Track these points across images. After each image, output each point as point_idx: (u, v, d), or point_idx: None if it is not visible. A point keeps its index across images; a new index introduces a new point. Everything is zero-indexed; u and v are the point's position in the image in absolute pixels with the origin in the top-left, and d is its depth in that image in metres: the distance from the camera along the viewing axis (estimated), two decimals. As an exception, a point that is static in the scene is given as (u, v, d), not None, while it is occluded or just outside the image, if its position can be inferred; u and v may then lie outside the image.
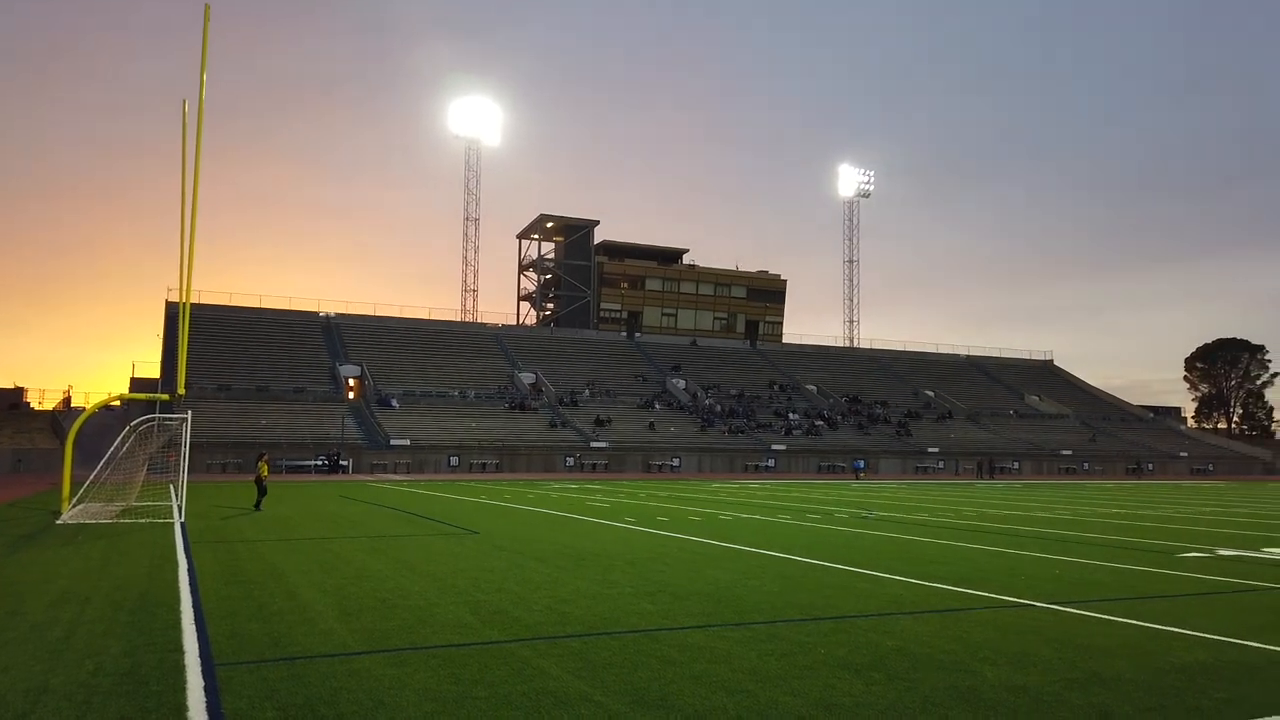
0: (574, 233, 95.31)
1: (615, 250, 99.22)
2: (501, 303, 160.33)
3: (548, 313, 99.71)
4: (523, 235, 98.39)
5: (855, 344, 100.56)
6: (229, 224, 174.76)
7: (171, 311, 67.35)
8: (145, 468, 23.45)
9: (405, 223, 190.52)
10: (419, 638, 8.08)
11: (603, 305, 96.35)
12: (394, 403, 64.50)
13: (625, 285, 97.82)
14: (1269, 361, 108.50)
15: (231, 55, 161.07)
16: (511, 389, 72.83)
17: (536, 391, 73.17)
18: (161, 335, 67.47)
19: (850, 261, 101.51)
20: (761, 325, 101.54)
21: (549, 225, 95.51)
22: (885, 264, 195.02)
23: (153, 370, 66.92)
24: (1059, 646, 7.96)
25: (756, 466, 64.54)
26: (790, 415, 76.26)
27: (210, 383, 61.86)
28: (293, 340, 73.98)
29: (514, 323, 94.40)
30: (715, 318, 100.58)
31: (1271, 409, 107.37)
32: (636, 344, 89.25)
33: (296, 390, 64.80)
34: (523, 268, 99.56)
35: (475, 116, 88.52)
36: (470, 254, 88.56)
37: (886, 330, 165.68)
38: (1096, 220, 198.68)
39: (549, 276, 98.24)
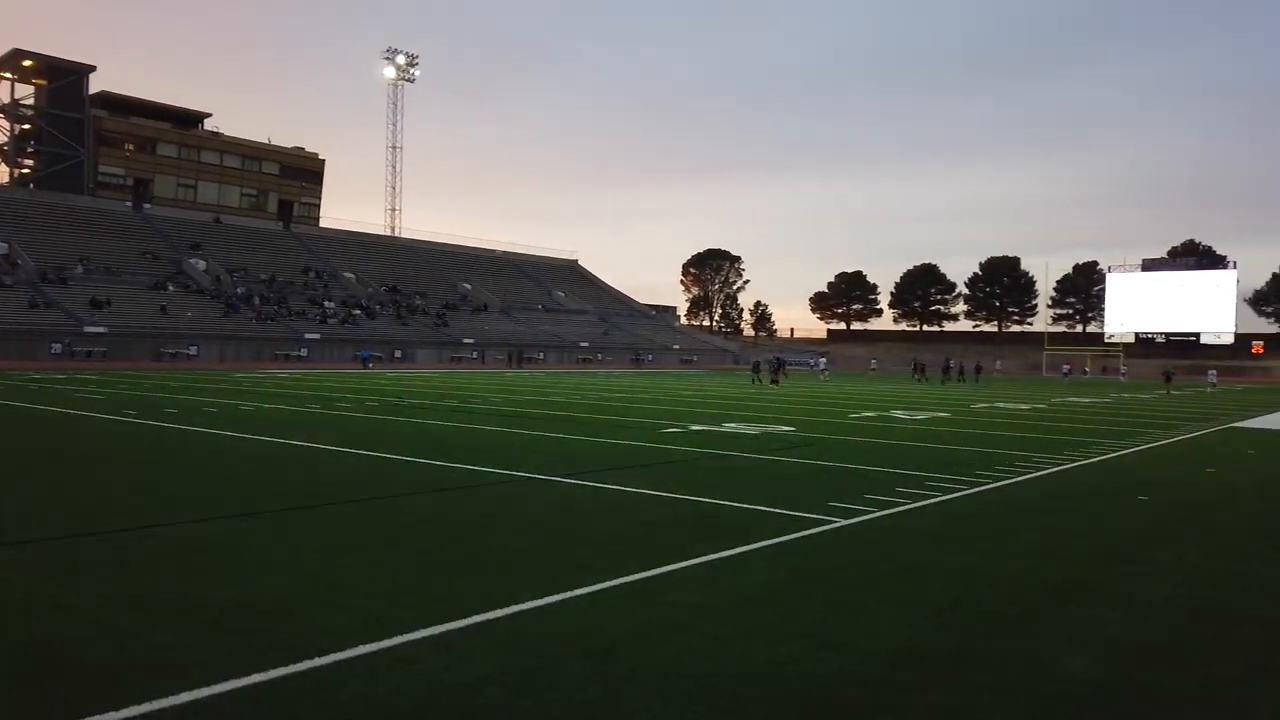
0: (61, 77, 79.30)
1: (118, 104, 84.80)
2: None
3: (25, 171, 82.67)
4: (-13, 71, 79.50)
5: (397, 233, 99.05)
6: None
7: None
8: None
9: None
10: None
11: (101, 168, 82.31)
12: None
13: (131, 147, 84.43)
14: (743, 270, 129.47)
15: None
16: (-28, 260, 59.69)
17: (10, 265, 60.85)
18: None
19: (393, 147, 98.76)
20: (297, 206, 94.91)
21: (26, 64, 78.17)
22: (429, 154, 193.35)
23: None
24: (554, 512, 8.95)
25: (288, 355, 61.27)
26: (326, 303, 73.28)
27: None
28: None
29: (-25, 179, 76.86)
30: (243, 194, 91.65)
31: (743, 310, 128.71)
32: (145, 216, 78.16)
33: None
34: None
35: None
36: (-94, 85, 69.52)
37: (427, 221, 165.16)
38: (624, 134, 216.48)
39: (27, 127, 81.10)
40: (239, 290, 69.10)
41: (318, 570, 6.51)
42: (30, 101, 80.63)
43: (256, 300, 68.31)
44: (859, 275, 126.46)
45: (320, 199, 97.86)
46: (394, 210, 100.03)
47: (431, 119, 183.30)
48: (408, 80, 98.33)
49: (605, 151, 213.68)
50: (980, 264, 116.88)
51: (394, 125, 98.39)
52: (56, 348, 51.19)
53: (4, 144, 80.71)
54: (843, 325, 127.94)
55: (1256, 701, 4.57)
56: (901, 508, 9.59)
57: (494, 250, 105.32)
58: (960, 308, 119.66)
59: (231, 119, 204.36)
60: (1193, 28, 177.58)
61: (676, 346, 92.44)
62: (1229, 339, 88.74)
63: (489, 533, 7.93)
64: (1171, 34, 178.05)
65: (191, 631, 5.10)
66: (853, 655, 5.00)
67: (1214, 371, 54.04)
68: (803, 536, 8.02)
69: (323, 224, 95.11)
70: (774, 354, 59.13)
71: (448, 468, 11.97)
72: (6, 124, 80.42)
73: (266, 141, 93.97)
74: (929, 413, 25.40)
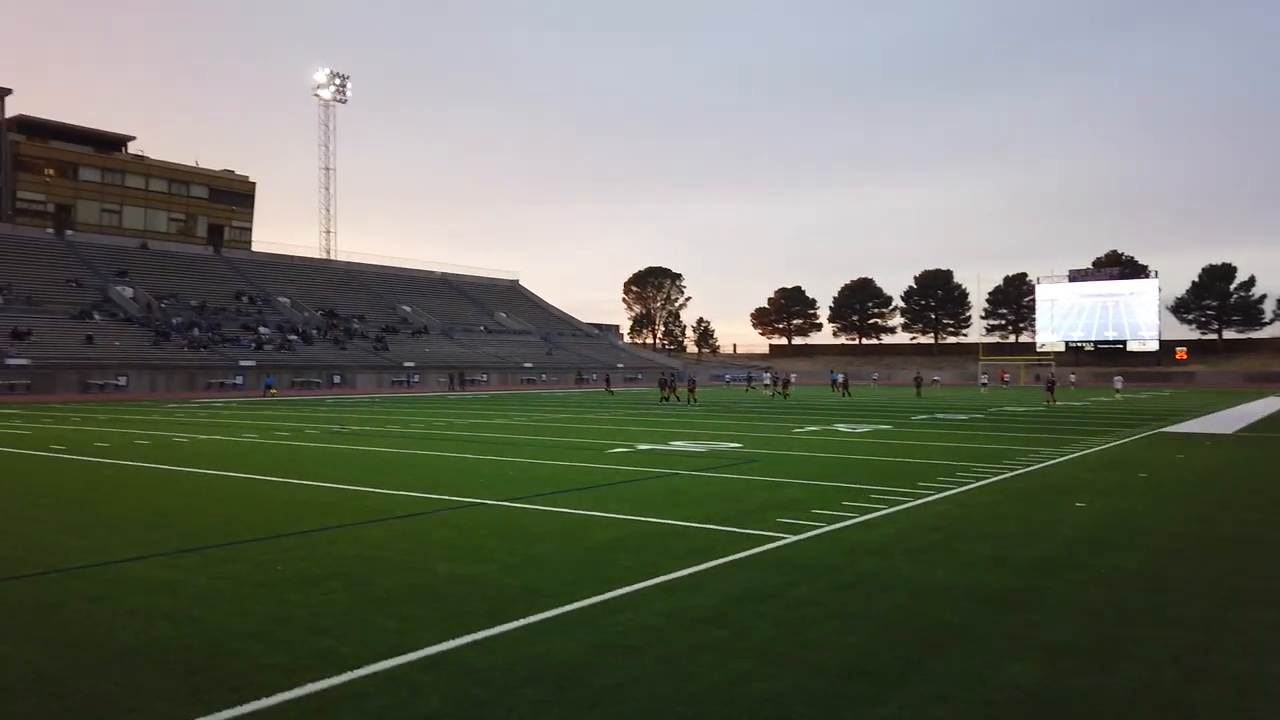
0: (-24, 100, 76.74)
1: (36, 128, 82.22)
2: None
3: (-62, 198, 79.59)
4: (-104, 95, 76.49)
5: (333, 256, 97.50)
6: None
7: None
8: None
9: None
10: None
11: (20, 194, 79.59)
12: None
13: (52, 172, 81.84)
14: (684, 287, 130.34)
15: None
16: (-118, 292, 57.13)
17: (-78, 296, 58.42)
18: None
19: (326, 169, 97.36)
20: (228, 231, 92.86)
21: (-62, 87, 75.56)
22: (364, 176, 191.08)
23: None
24: (503, 538, 8.87)
25: (222, 384, 59.72)
26: (261, 329, 71.71)
27: None
28: None
29: (-115, 207, 73.75)
30: (171, 219, 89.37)
31: (685, 327, 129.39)
32: (68, 243, 75.70)
33: None
34: (-103, 137, 77.63)
35: None
36: None
37: (363, 244, 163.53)
38: (561, 153, 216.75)
39: (-61, 152, 78.17)
40: (174, 320, 67.23)
41: (262, 606, 6.35)
42: (-57, 126, 77.75)
43: (195, 331, 66.52)
44: (799, 290, 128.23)
45: (252, 222, 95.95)
46: (329, 233, 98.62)
47: (365, 140, 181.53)
48: (340, 101, 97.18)
49: (543, 170, 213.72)
50: (915, 277, 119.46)
51: (326, 147, 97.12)
52: (-25, 382, 49.13)
53: (-84, 171, 77.60)
54: (784, 340, 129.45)
55: (1193, 702, 4.72)
56: (849, 521, 9.72)
57: (433, 272, 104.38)
58: (897, 320, 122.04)
59: (157, 142, 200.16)
60: (1114, 42, 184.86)
61: (620, 365, 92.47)
62: (1154, 345, 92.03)
63: (438, 561, 7.82)
64: (1093, 49, 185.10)
65: (130, 675, 4.93)
66: (804, 672, 5.05)
67: (1120, 379, 55.29)
68: (753, 554, 8.08)
69: (255, 248, 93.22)
70: (671, 371, 60.65)
71: (392, 495, 11.79)
72: (-82, 150, 77.38)
73: (194, 165, 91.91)
74: (871, 425, 25.81)
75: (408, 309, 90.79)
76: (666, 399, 42.68)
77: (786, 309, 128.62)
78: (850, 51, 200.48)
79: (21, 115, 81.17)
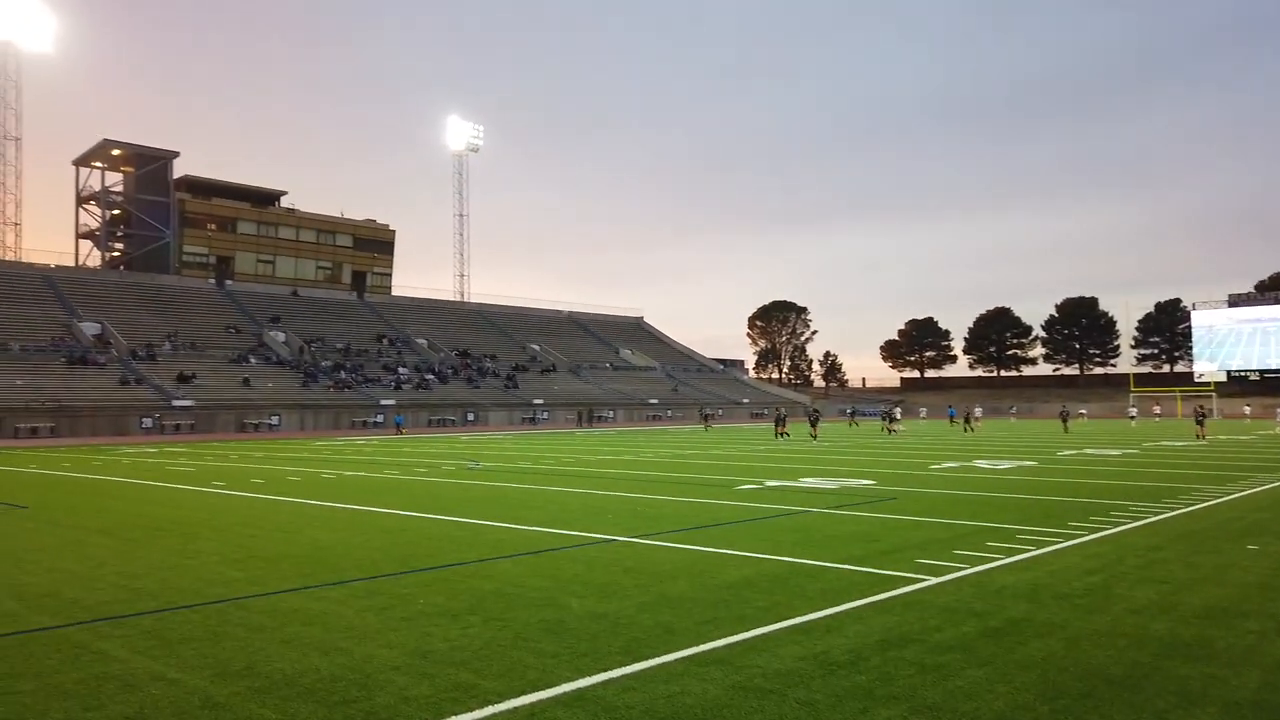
0: (147, 164, 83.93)
1: (200, 187, 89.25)
2: (55, 240, 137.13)
3: (116, 254, 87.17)
4: (81, 162, 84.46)
5: (466, 298, 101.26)
6: None
7: None
8: None
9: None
10: (-60, 635, 6.82)
11: (186, 249, 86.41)
12: (-97, 357, 52.53)
13: (213, 227, 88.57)
14: (810, 320, 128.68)
15: None
16: (70, 340, 62.86)
17: (103, 344, 63.93)
18: None
19: (460, 215, 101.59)
20: (370, 276, 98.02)
21: (115, 153, 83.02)
22: (495, 220, 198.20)
23: None
24: (636, 575, 8.88)
25: (365, 423, 62.67)
26: (400, 370, 74.97)
27: None
28: None
29: (73, 264, 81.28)
30: (319, 267, 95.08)
31: (812, 361, 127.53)
32: (228, 293, 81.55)
33: None
34: (82, 200, 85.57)
35: (11, 13, 73.37)
36: (10, 180, 74.38)
37: (495, 285, 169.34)
38: (686, 190, 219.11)
39: (117, 212, 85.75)
40: (322, 363, 71.15)
41: (405, 639, 6.55)
42: (119, 188, 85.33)
43: (340, 372, 70.17)
44: (930, 321, 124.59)
45: (392, 268, 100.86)
46: (462, 276, 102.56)
47: (495, 183, 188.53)
48: (473, 151, 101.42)
49: (666, 208, 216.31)
50: (1056, 305, 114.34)
51: (460, 194, 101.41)
52: (147, 422, 53.26)
53: (96, 230, 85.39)
54: (916, 373, 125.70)
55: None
56: (995, 563, 9.27)
57: (560, 311, 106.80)
58: (1038, 351, 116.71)
59: (306, 195, 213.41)
60: (1259, 60, 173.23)
61: (746, 400, 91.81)
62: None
63: (571, 597, 7.89)
64: (1236, 67, 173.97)
65: (288, 704, 5.16)
66: (954, 722, 4.81)
67: None
68: (892, 596, 7.80)
69: (394, 292, 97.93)
70: (782, 407, 58.53)
71: (524, 531, 12.01)
72: (99, 211, 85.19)
73: (339, 215, 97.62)
74: (1014, 461, 24.66)
75: (536, 347, 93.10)
76: (783, 434, 41.91)
77: (918, 341, 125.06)
78: (980, 78, 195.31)
79: (188, 175, 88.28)
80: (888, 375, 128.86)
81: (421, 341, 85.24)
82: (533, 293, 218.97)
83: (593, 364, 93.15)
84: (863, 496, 16.00)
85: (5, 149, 74.21)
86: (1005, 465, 23.17)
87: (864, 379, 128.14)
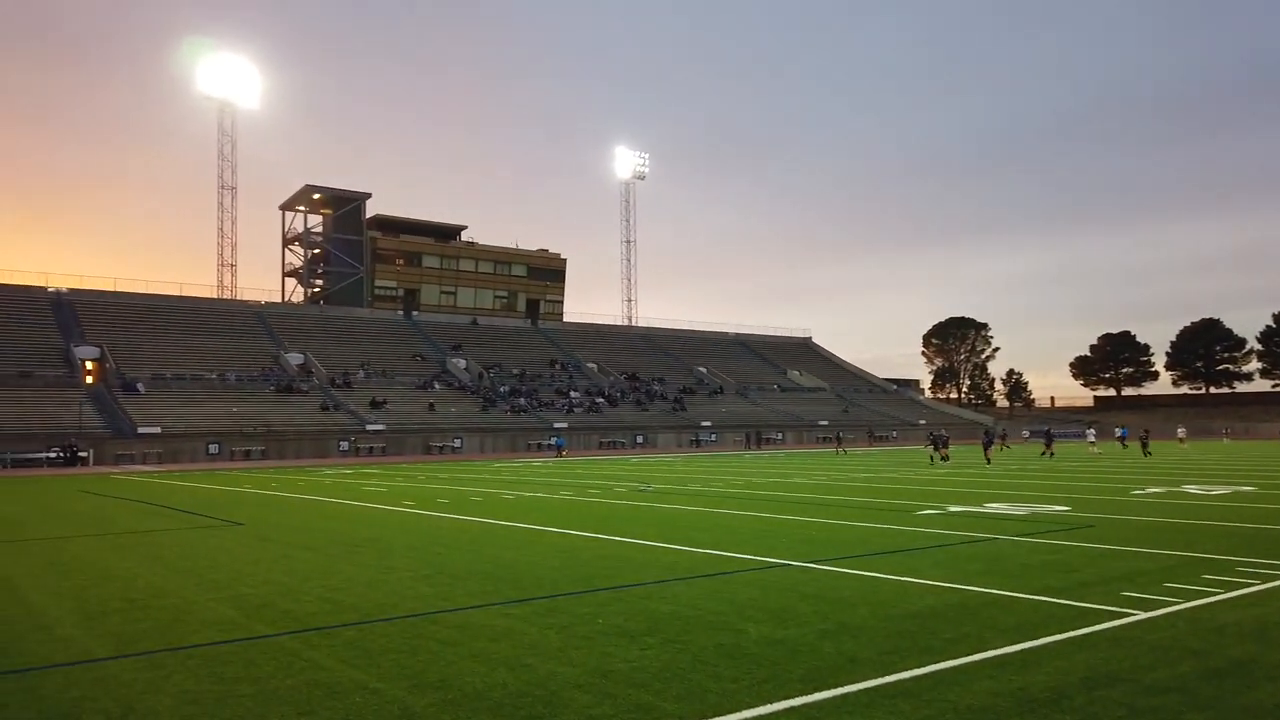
0: (343, 205, 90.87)
1: (389, 225, 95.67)
2: (264, 279, 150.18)
3: (316, 290, 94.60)
4: (286, 207, 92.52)
5: (633, 323, 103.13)
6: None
7: None
8: None
9: (151, 191, 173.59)
10: (175, 638, 7.53)
11: (377, 283, 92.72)
12: (140, 387, 58.95)
13: (401, 262, 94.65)
14: (991, 337, 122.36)
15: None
16: (278, 370, 68.65)
17: (306, 373, 69.43)
18: None
19: (627, 242, 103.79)
20: (543, 304, 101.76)
21: (315, 197, 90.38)
22: (660, 244, 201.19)
23: None
24: (814, 601, 8.67)
25: (540, 445, 64.84)
26: (572, 393, 77.13)
27: (-90, 368, 53.72)
28: (15, 319, 65.64)
29: (279, 300, 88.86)
30: (496, 296, 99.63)
31: (993, 380, 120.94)
32: (414, 323, 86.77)
33: (22, 374, 57.65)
34: (287, 241, 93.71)
35: (228, 76, 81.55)
36: (227, 225, 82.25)
37: (661, 309, 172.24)
38: (850, 208, 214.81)
39: (317, 251, 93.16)
40: (501, 388, 74.32)
41: (586, 657, 6.66)
42: (319, 229, 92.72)
43: (522, 400, 73.05)
44: (1126, 335, 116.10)
45: (563, 295, 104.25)
46: (630, 301, 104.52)
47: (661, 208, 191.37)
48: (639, 179, 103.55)
49: (834, 226, 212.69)
50: (1275, 315, 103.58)
51: (627, 221, 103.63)
52: (344, 445, 57.27)
53: (300, 268, 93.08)
54: (1111, 391, 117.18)
55: None
56: (1213, 597, 8.44)
57: (726, 333, 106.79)
58: (1254, 365, 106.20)
59: (482, 226, 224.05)
60: None
61: (922, 421, 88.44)
62: None
63: (747, 622, 7.79)
64: None
65: (478, 716, 5.35)
66: (1177, 773, 4.38)
67: None
68: (1096, 631, 7.23)
69: (566, 318, 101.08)
70: (937, 429, 51.75)
71: (697, 553, 12.00)
72: (301, 250, 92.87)
73: (514, 246, 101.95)
74: (1229, 487, 22.47)
75: (703, 369, 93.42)
76: (944, 458, 39.10)
77: (1113, 356, 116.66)
78: (1172, 77, 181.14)
79: (379, 215, 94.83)
80: (1079, 394, 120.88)
81: (591, 366, 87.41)
82: (699, 315, 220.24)
83: (760, 385, 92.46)
84: (1057, 523, 15.00)
85: (223, 198, 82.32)
86: (1220, 490, 21.13)
87: (1052, 398, 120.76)
